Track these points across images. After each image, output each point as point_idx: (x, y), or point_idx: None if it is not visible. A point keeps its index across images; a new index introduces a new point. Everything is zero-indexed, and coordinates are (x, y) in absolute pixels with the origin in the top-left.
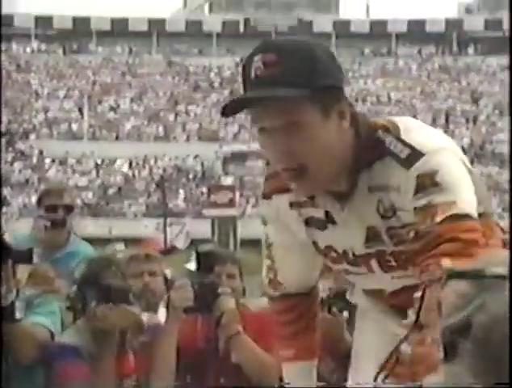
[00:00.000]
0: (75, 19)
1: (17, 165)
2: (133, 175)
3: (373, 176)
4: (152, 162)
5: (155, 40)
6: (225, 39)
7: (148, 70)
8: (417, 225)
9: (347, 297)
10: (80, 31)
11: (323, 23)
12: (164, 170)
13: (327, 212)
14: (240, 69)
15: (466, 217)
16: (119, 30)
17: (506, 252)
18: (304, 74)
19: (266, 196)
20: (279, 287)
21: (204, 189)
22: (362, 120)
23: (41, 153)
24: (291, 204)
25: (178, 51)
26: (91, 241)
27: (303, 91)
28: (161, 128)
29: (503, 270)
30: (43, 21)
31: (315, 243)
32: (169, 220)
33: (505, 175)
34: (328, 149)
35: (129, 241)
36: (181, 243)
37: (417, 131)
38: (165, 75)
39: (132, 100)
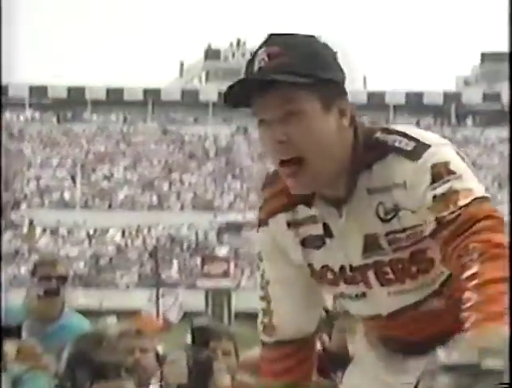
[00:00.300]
0: (70, 89)
1: (7, 235)
2: (126, 245)
3: (373, 178)
4: (145, 231)
5: (150, 108)
6: (221, 108)
7: (142, 139)
8: (436, 213)
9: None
10: (75, 100)
11: None
12: (157, 239)
13: (325, 226)
14: (236, 138)
15: (487, 199)
16: (114, 99)
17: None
18: (307, 66)
19: (263, 222)
20: (273, 332)
21: (198, 259)
22: (360, 123)
23: (32, 222)
24: (289, 224)
25: (173, 120)
26: (82, 313)
27: (304, 79)
28: (155, 197)
29: (499, 363)
30: (37, 90)
31: (311, 266)
32: (162, 291)
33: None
34: (326, 143)
35: (121, 313)
36: (174, 315)
37: (417, 130)
38: (159, 144)
39: (125, 169)
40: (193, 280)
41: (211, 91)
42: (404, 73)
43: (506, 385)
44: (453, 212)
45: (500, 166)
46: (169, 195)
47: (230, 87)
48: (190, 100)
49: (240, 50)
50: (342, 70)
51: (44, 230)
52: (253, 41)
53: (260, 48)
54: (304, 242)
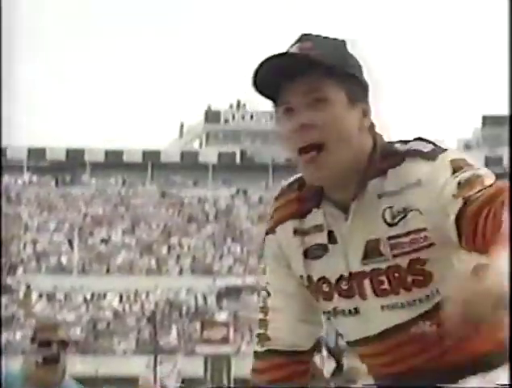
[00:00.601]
0: (68, 151)
1: (3, 300)
2: (123, 310)
3: (385, 183)
4: (143, 296)
5: (149, 171)
6: (221, 170)
7: (141, 202)
8: (463, 194)
9: None
10: (73, 162)
11: None
12: (156, 304)
13: (329, 234)
14: (235, 200)
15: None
16: (113, 161)
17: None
18: (336, 60)
19: (270, 230)
20: (266, 342)
21: (197, 325)
22: (379, 135)
23: (28, 287)
24: (295, 232)
25: (172, 182)
26: (79, 380)
27: (333, 69)
28: (153, 261)
29: None
30: (36, 153)
31: (309, 278)
32: (160, 357)
33: None
34: (347, 133)
35: (119, 380)
36: (172, 383)
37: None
38: (158, 207)
39: (124, 232)
40: (192, 346)
41: (210, 153)
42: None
43: (506, 386)
44: (481, 190)
45: None
46: (167, 259)
47: (261, 66)
48: (189, 162)
49: (240, 112)
50: (365, 79)
51: (41, 295)
52: (254, 103)
53: (292, 45)
54: (307, 253)
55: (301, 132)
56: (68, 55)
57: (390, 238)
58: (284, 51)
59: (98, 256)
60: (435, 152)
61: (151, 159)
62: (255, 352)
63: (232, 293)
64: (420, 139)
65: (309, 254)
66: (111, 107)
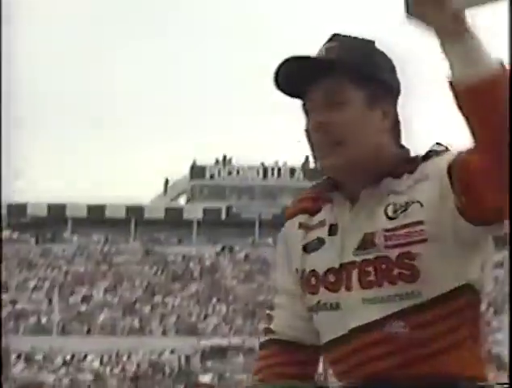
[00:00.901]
0: (50, 206)
1: None
2: (105, 372)
3: (398, 184)
4: (125, 357)
5: (133, 227)
6: (206, 227)
7: (124, 259)
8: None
9: None
10: (55, 218)
11: None
12: (138, 366)
13: (331, 227)
14: (221, 258)
15: None
16: (95, 217)
17: None
18: (358, 62)
19: (283, 227)
20: (269, 334)
21: (181, 387)
22: (401, 140)
23: (7, 349)
24: (300, 225)
25: (156, 239)
26: None
27: (351, 73)
28: (136, 321)
29: None
30: (16, 208)
31: (303, 272)
32: None
33: None
34: (364, 134)
35: None
36: None
37: None
38: (142, 264)
39: (106, 291)
40: None
41: (195, 210)
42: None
43: (506, 385)
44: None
45: (495, 291)
46: (151, 318)
47: (283, 66)
48: (174, 219)
49: (226, 168)
50: (395, 77)
51: (19, 357)
52: (240, 158)
53: (323, 45)
54: (306, 247)
55: (319, 130)
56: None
57: (387, 230)
58: (309, 54)
59: (78, 316)
60: (447, 150)
61: (134, 215)
62: (260, 344)
63: (217, 353)
64: (437, 143)
65: (308, 248)
66: (93, 161)
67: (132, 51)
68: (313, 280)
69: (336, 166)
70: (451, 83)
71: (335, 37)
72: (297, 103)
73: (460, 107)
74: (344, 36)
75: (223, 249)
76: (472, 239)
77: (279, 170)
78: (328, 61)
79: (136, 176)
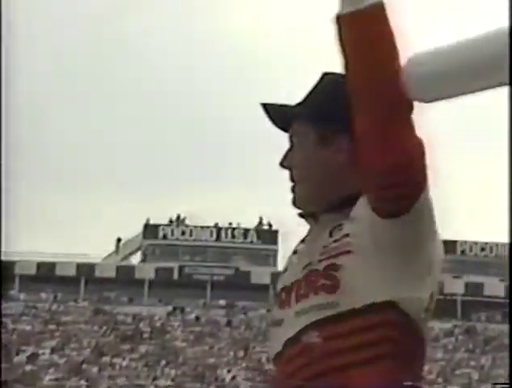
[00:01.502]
0: None
1: None
2: None
3: (352, 209)
4: None
5: (83, 286)
6: (158, 287)
7: (72, 318)
8: None
9: None
10: (3, 276)
11: (261, 274)
12: None
13: (296, 250)
14: (171, 319)
15: None
16: (44, 275)
17: None
18: (317, 104)
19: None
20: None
21: None
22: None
23: None
24: (295, 251)
25: (106, 298)
26: None
27: (310, 116)
28: (83, 381)
29: None
30: None
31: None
32: None
33: None
34: (317, 172)
35: None
36: None
37: None
38: (91, 324)
39: (52, 350)
40: None
41: (147, 269)
42: None
43: (506, 385)
44: None
45: (444, 360)
46: (98, 379)
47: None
48: (125, 278)
49: (179, 228)
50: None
51: None
52: (194, 218)
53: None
54: (286, 269)
55: (286, 169)
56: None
57: (324, 246)
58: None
59: (23, 376)
60: None
61: (85, 273)
62: None
63: None
64: None
65: (284, 269)
66: (44, 218)
67: (81, 104)
68: (276, 299)
69: (298, 201)
70: (337, 19)
71: (321, 78)
72: (251, 168)
73: (342, 45)
74: (326, 75)
75: (174, 310)
76: (390, 246)
77: (233, 231)
78: (289, 107)
79: (87, 234)
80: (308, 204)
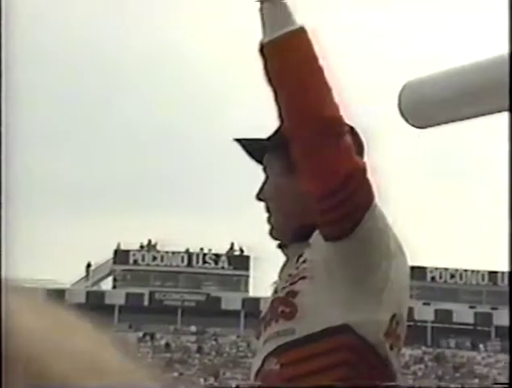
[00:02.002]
0: None
1: None
2: None
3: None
4: None
5: None
6: (128, 312)
7: None
8: None
9: None
10: None
11: (232, 300)
12: None
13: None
14: (142, 345)
15: None
16: None
17: None
18: (279, 134)
19: None
20: None
21: None
22: None
23: None
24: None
25: None
26: None
27: (269, 143)
28: None
29: None
30: None
31: None
32: None
33: None
34: (283, 201)
35: None
36: None
37: None
38: None
39: None
40: None
41: (118, 295)
42: None
43: (506, 385)
44: None
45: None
46: None
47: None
48: (95, 303)
49: (150, 253)
50: None
51: None
52: (165, 244)
53: None
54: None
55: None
56: None
57: (289, 274)
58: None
59: None
60: None
61: (54, 298)
62: None
63: None
64: None
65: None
66: (13, 242)
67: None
68: (260, 323)
69: (273, 232)
70: (261, 47)
71: None
72: (222, 194)
73: (266, 74)
74: None
75: (144, 336)
76: (339, 269)
77: (204, 256)
78: (261, 140)
79: (56, 259)
80: (280, 234)
